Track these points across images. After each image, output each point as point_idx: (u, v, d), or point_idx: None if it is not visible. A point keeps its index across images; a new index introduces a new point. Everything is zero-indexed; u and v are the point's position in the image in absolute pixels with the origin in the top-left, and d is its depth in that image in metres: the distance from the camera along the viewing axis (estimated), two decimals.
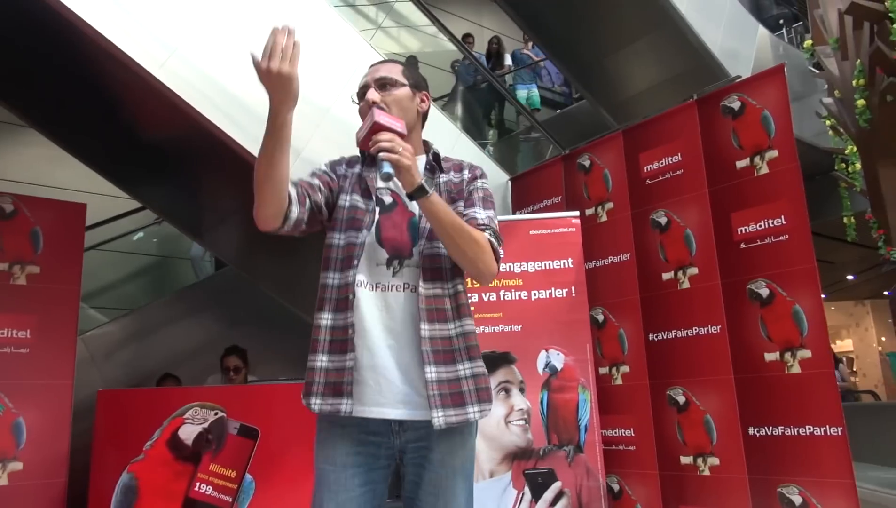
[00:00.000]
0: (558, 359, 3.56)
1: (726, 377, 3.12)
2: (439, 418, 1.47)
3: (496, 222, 1.64)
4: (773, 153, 3.08)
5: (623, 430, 3.52)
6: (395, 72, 1.66)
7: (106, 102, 3.78)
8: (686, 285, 3.34)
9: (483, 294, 3.65)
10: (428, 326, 1.52)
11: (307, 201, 1.58)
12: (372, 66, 1.70)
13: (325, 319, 1.54)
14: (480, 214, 1.61)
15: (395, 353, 1.52)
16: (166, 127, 3.75)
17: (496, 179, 4.53)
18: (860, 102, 5.38)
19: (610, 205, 3.77)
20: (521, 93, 8.73)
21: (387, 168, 1.45)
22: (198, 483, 3.24)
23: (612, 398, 3.57)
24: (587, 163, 3.93)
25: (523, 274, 3.68)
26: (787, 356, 2.93)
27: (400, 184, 1.52)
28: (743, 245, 3.14)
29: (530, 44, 9.24)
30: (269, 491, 3.27)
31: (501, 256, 1.60)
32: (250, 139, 3.35)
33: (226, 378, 4.28)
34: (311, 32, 3.74)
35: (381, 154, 1.45)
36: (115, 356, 5.00)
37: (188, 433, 3.30)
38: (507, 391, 3.53)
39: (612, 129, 7.84)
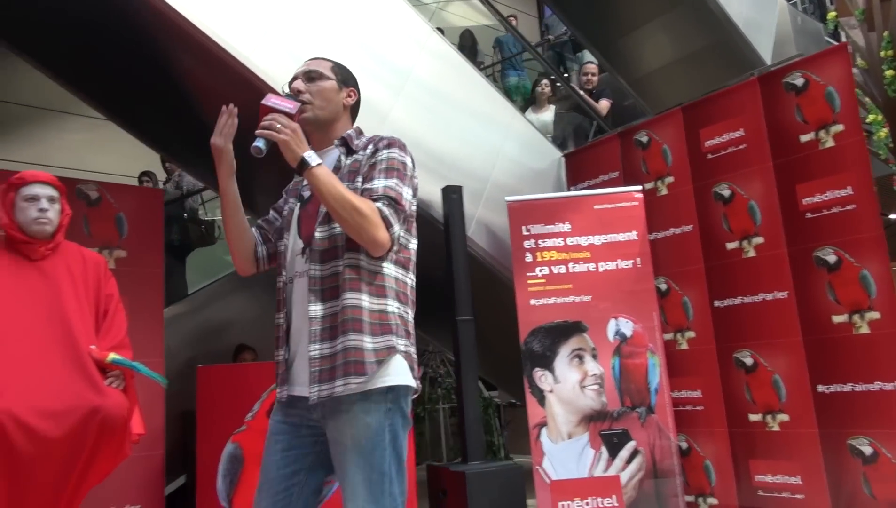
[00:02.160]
0: (627, 327, 3.77)
1: (794, 339, 3.33)
2: (314, 393, 1.53)
3: (400, 188, 1.63)
4: (839, 127, 3.25)
5: (690, 392, 3.74)
6: (323, 67, 1.76)
7: (179, 86, 3.90)
8: (751, 253, 3.53)
9: (553, 268, 3.84)
10: (319, 306, 1.57)
11: (270, 237, 1.80)
12: (305, 61, 1.81)
13: (276, 319, 1.70)
14: (378, 183, 1.62)
15: (302, 335, 1.61)
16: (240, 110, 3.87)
17: (549, 155, 4.68)
18: (889, 73, 5.55)
19: (670, 179, 3.94)
20: (512, 80, 8.72)
21: (257, 143, 1.53)
22: None
23: (679, 362, 3.78)
24: (645, 139, 4.09)
25: (590, 247, 3.87)
26: (856, 317, 3.14)
27: (345, 163, 1.68)
28: (809, 215, 3.33)
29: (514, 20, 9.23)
30: None
31: (396, 223, 1.60)
32: None
33: None
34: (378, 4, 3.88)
35: (256, 131, 1.54)
36: (178, 332, 5.15)
37: None
38: (581, 357, 3.74)
39: (634, 102, 7.99)
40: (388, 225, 1.57)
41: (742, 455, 3.50)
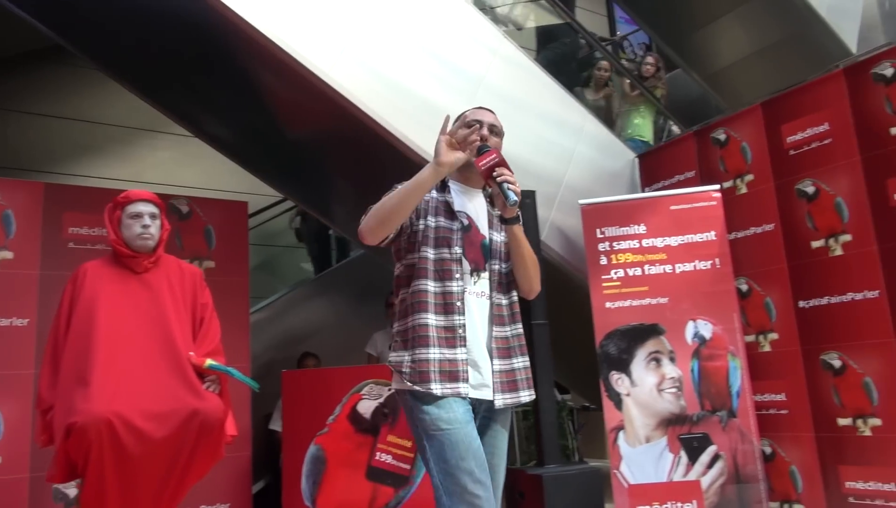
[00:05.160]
0: (706, 329, 3.69)
1: (887, 341, 3.19)
2: (499, 400, 1.85)
3: None
4: None
5: (774, 395, 3.63)
6: (500, 124, 1.99)
7: (261, 102, 4.08)
8: (839, 251, 3.40)
9: (629, 270, 3.81)
10: (497, 328, 1.89)
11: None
12: (482, 108, 2.01)
13: (433, 319, 1.83)
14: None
15: (480, 348, 1.86)
16: (320, 124, 4.03)
17: (623, 156, 4.64)
18: None
19: (750, 177, 3.84)
20: None
21: (514, 197, 1.78)
22: (378, 453, 3.55)
23: (762, 364, 3.68)
24: (722, 137, 4.00)
25: (666, 248, 3.81)
26: None
27: (478, 210, 1.94)
28: None
29: None
30: None
31: None
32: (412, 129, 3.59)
33: (389, 313, 4.68)
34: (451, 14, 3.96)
35: (506, 185, 1.78)
36: (256, 337, 5.38)
37: (366, 407, 3.61)
38: (658, 360, 3.69)
39: (708, 98, 7.78)
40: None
41: (831, 461, 3.38)
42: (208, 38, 3.56)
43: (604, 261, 3.84)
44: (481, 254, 1.91)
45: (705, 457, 3.56)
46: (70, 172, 6.31)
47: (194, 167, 6.61)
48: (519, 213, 1.86)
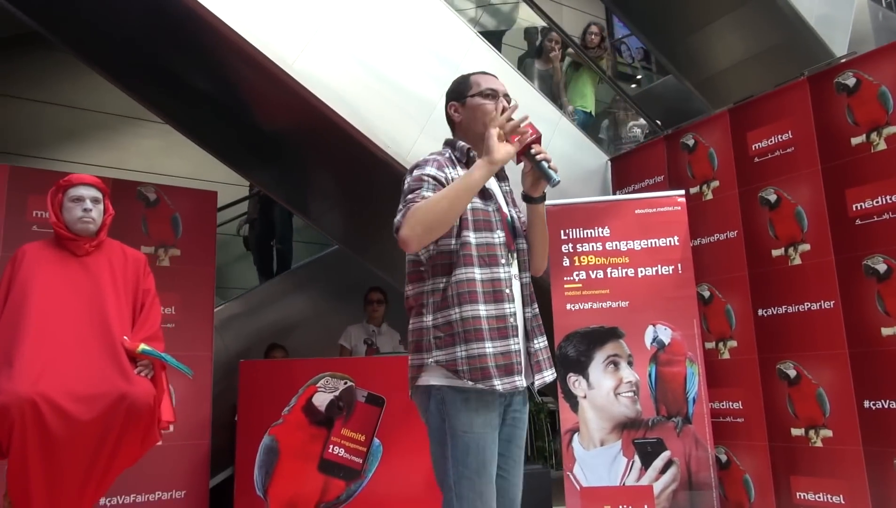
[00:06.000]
0: (665, 334, 3.68)
1: (840, 352, 3.17)
2: (535, 381, 1.82)
3: None
4: (892, 129, 3.08)
5: (731, 403, 3.62)
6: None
7: (233, 93, 4.09)
8: (797, 261, 3.39)
9: (591, 272, 3.80)
10: (529, 307, 1.84)
11: None
12: (489, 74, 1.91)
13: (483, 310, 1.70)
14: None
15: (521, 331, 1.79)
16: (291, 117, 4.03)
17: (596, 159, 4.63)
18: None
19: (716, 183, 3.83)
20: None
21: (557, 178, 1.74)
22: (331, 446, 3.55)
23: (720, 371, 3.67)
24: (691, 142, 3.99)
25: (630, 252, 3.80)
26: None
27: (501, 187, 1.89)
28: (858, 222, 3.17)
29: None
30: (396, 455, 3.54)
31: None
32: (373, 129, 3.59)
33: (368, 310, 4.71)
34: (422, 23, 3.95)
35: (545, 164, 1.75)
36: (233, 329, 5.39)
37: (321, 400, 3.60)
38: (616, 364, 3.68)
39: (699, 104, 7.77)
40: None
41: (783, 471, 3.36)
42: (177, 24, 3.56)
43: (566, 263, 3.83)
44: (511, 234, 1.83)
45: (659, 462, 3.54)
46: (53, 157, 6.33)
47: (179, 156, 6.63)
48: (545, 191, 1.81)
